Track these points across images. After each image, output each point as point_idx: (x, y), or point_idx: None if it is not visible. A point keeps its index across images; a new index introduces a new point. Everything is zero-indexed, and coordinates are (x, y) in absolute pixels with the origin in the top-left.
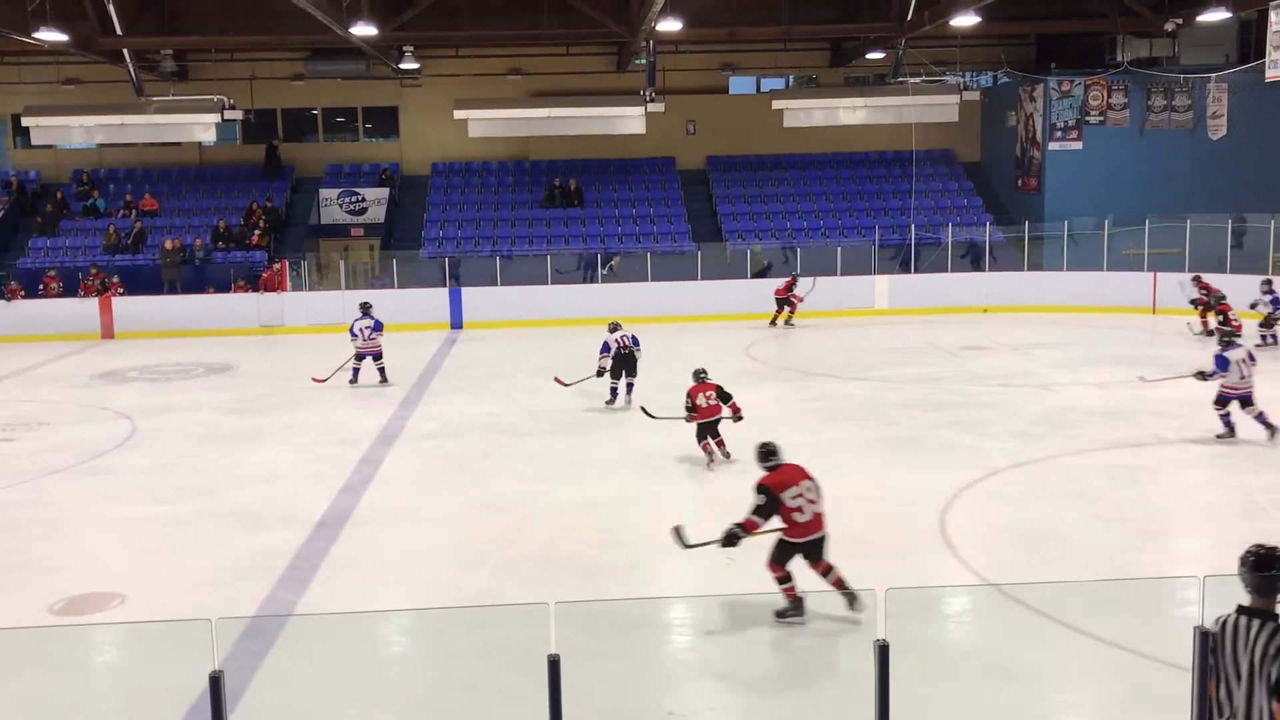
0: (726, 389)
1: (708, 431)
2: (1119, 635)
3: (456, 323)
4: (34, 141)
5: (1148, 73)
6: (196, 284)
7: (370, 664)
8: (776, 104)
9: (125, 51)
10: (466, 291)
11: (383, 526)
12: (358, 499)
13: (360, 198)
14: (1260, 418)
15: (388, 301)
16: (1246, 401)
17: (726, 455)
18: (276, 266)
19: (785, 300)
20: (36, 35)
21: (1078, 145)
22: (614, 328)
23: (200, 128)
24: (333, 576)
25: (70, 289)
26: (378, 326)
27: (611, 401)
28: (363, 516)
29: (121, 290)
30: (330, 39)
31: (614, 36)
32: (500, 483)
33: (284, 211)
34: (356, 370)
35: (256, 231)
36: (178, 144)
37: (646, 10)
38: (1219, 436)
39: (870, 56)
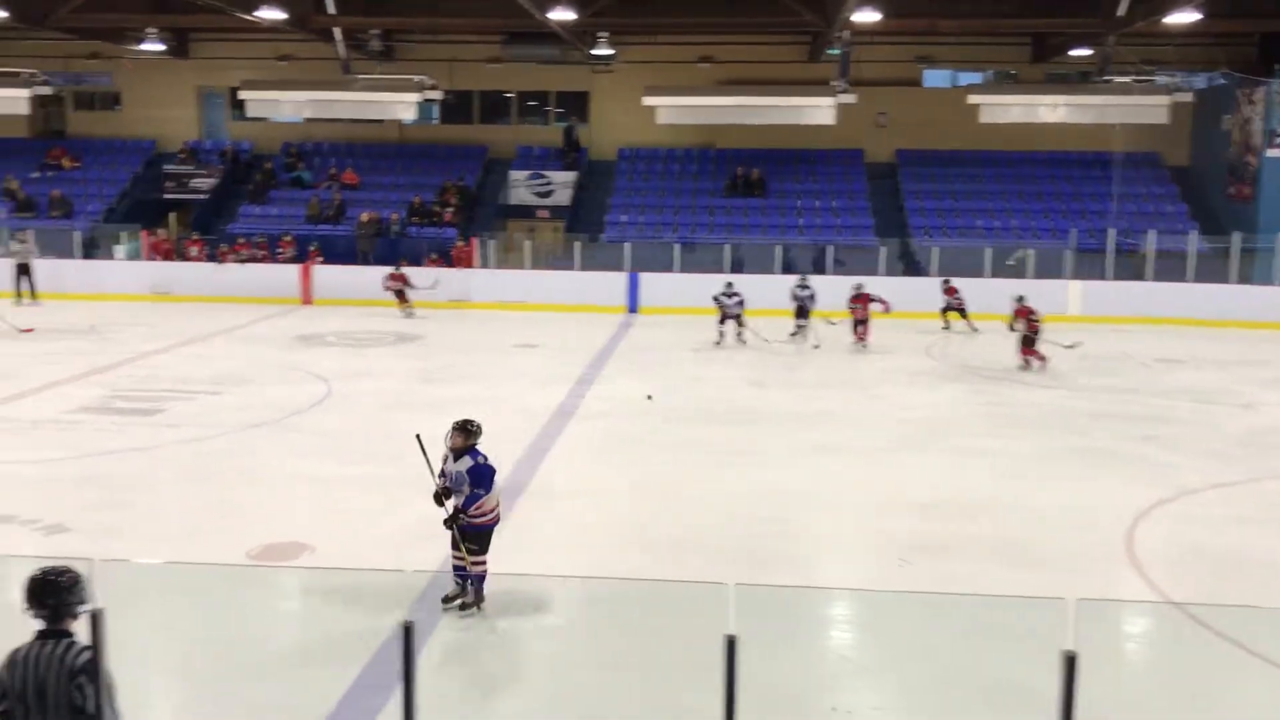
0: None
1: None
2: None
3: (633, 307)
4: (248, 114)
5: None
6: (389, 256)
7: (540, 632)
8: (973, 99)
9: (335, 30)
10: (644, 276)
11: (555, 500)
12: (533, 472)
13: (547, 180)
14: None
15: (568, 283)
16: None
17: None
18: (464, 244)
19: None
20: (257, 13)
21: None
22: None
23: (402, 106)
24: (506, 545)
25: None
26: None
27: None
28: (537, 489)
29: (321, 259)
30: (528, 23)
31: (809, 26)
32: (668, 467)
33: (475, 191)
34: None
35: (449, 209)
36: (379, 121)
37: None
38: None
39: (1074, 53)
